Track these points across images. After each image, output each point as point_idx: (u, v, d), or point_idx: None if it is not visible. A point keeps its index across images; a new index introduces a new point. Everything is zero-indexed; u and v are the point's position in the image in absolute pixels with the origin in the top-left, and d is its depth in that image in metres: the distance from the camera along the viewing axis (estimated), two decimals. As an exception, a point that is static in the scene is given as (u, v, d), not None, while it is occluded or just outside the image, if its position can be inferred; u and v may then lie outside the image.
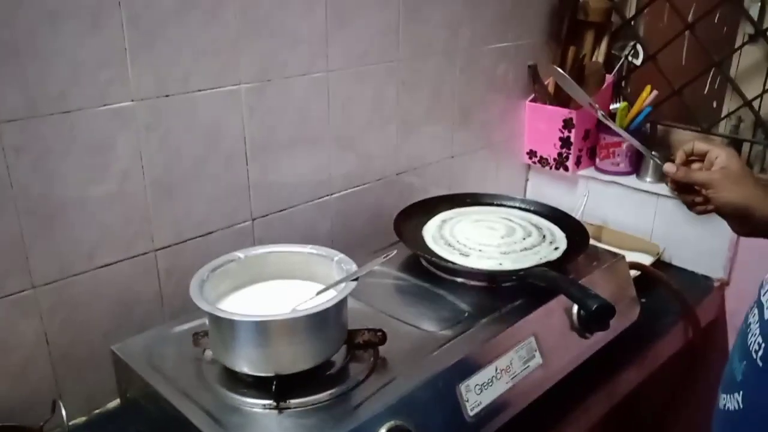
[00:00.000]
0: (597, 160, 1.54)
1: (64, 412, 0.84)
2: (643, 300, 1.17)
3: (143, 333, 0.92)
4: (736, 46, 1.41)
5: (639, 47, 1.50)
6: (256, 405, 0.78)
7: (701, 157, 0.89)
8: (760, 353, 0.66)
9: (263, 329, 0.76)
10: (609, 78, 1.52)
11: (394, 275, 1.09)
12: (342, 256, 0.88)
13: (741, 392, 0.71)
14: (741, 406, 0.70)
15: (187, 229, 1.02)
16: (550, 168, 1.56)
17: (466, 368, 0.86)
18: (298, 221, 1.17)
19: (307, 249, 0.90)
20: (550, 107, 1.51)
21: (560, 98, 1.52)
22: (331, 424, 0.75)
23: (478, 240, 1.10)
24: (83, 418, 0.97)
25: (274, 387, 0.77)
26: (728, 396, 0.73)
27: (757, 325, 0.69)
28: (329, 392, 0.79)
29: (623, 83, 1.59)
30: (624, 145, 1.49)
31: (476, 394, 0.86)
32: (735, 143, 1.46)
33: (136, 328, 0.96)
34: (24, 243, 0.86)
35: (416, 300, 1.02)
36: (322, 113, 1.15)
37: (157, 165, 0.96)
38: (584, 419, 1.04)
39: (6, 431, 0.87)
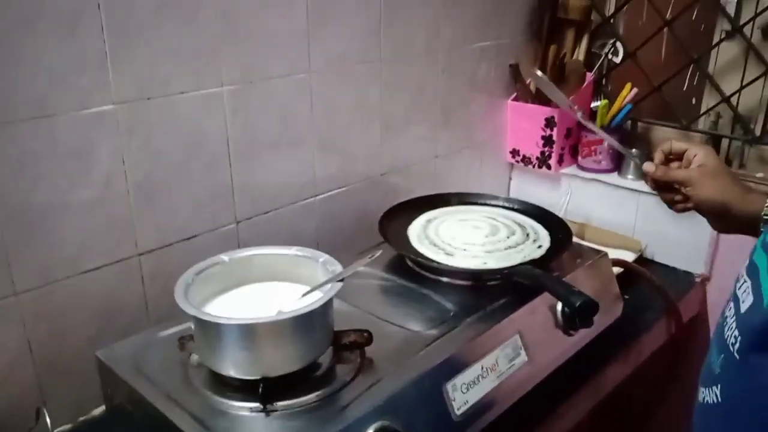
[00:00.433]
0: (579, 158, 1.56)
1: (48, 420, 0.84)
2: (626, 296, 1.18)
3: (128, 338, 0.92)
4: (713, 43, 1.42)
5: (618, 45, 1.52)
6: (243, 408, 0.78)
7: (679, 155, 0.90)
8: (737, 346, 0.67)
9: (249, 332, 0.76)
10: (589, 76, 1.54)
11: (380, 276, 1.09)
12: (327, 257, 0.88)
13: (719, 385, 0.71)
14: (719, 399, 0.71)
15: (170, 233, 1.02)
16: (533, 167, 1.57)
17: (453, 367, 0.87)
18: (283, 223, 1.17)
19: (292, 251, 0.90)
20: (532, 106, 1.53)
21: (542, 97, 1.53)
22: (318, 426, 0.75)
23: (463, 239, 1.10)
24: (68, 426, 0.96)
25: (260, 390, 0.76)
26: (707, 389, 0.74)
27: (734, 318, 0.70)
28: (316, 394, 0.79)
29: (603, 81, 1.60)
30: (606, 143, 1.50)
31: (463, 393, 0.86)
32: (714, 139, 1.48)
33: (121, 333, 0.96)
34: (5, 250, 0.85)
35: (402, 300, 1.02)
36: (305, 115, 1.15)
37: (139, 169, 0.95)
38: (570, 415, 1.05)
39: (-11, 440, 0.86)
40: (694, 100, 1.51)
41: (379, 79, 1.25)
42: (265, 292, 0.89)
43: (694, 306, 1.40)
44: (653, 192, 1.42)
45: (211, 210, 1.06)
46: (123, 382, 0.84)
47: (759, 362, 0.64)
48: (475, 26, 1.41)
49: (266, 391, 0.77)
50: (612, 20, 1.53)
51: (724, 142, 1.47)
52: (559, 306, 1.01)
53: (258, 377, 0.77)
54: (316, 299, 0.79)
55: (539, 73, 1.06)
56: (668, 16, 1.43)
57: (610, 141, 1.06)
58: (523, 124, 1.55)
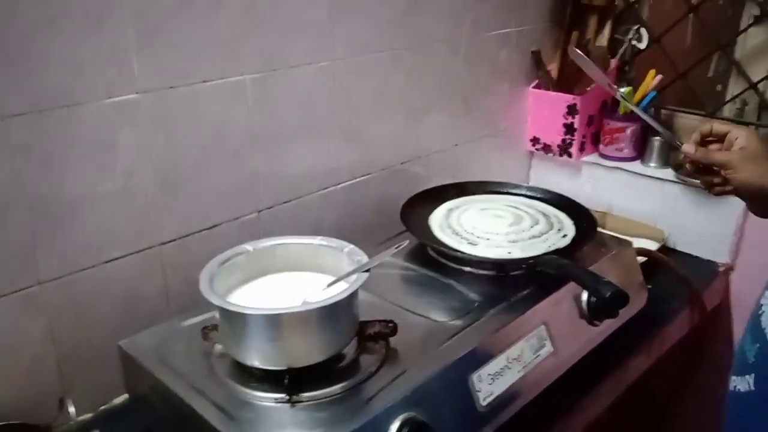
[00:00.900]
0: (600, 145, 1.53)
1: (72, 409, 0.84)
2: (649, 286, 1.17)
3: (150, 328, 0.91)
4: (741, 28, 1.39)
5: (643, 30, 1.49)
6: (268, 399, 0.77)
7: (720, 137, 0.88)
8: None
9: (275, 322, 0.76)
10: (613, 62, 1.51)
11: (401, 265, 1.08)
12: (352, 247, 0.87)
13: (753, 374, 0.71)
14: (753, 388, 0.70)
15: (192, 223, 1.01)
16: (554, 155, 1.55)
17: (478, 358, 0.86)
18: (305, 212, 1.16)
19: (317, 240, 0.89)
20: (553, 93, 1.50)
21: (564, 84, 1.51)
22: (345, 417, 0.74)
23: (486, 228, 1.09)
24: (90, 415, 0.97)
25: (286, 380, 0.76)
26: (739, 378, 0.73)
27: None
28: (341, 385, 0.79)
29: (627, 67, 1.57)
30: (628, 131, 1.48)
31: (488, 384, 0.85)
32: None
33: (143, 323, 0.95)
34: (32, 240, 0.85)
35: (425, 290, 1.01)
36: (327, 103, 1.13)
37: (162, 158, 0.95)
38: (594, 406, 1.04)
39: (13, 429, 0.87)
40: (719, 87, 1.48)
41: (401, 66, 1.23)
42: (289, 282, 0.88)
43: (716, 296, 1.38)
44: (677, 180, 1.41)
45: (232, 200, 1.06)
46: (146, 372, 0.84)
47: None
48: (497, 13, 1.39)
49: (292, 381, 0.76)
50: (636, 5, 1.50)
51: (750, 130, 1.44)
52: (584, 296, 1.00)
53: (284, 368, 0.77)
54: (342, 290, 0.78)
55: (579, 51, 1.04)
56: (694, 0, 1.40)
57: (648, 120, 1.04)
58: (545, 111, 1.53)
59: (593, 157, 1.54)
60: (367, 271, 0.80)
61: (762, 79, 1.36)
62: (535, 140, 1.58)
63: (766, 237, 1.32)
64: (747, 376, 0.72)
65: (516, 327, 0.91)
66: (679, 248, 1.43)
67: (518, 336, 0.91)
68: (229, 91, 1.00)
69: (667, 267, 1.27)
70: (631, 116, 1.48)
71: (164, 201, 0.97)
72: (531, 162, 1.65)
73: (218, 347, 0.85)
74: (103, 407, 0.97)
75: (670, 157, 1.46)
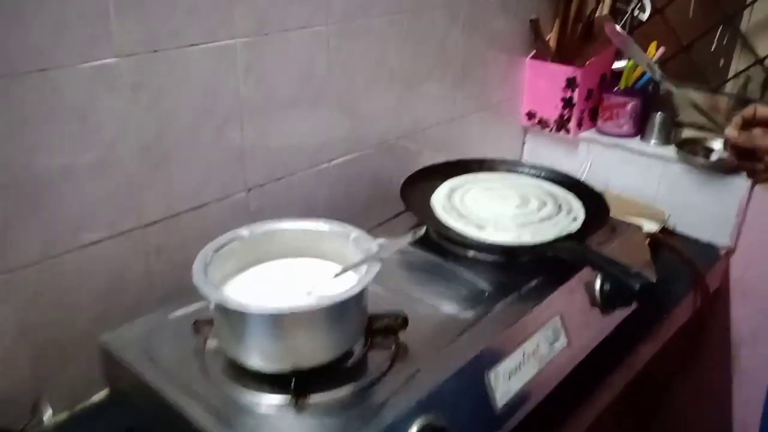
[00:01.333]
0: (599, 121, 1.48)
1: (49, 412, 0.75)
2: (653, 270, 1.12)
3: (134, 321, 0.83)
4: (748, 1, 1.34)
5: (645, 0, 1.42)
6: (270, 402, 0.70)
7: (763, 122, 0.82)
8: None
9: (281, 321, 0.68)
10: (614, 34, 1.44)
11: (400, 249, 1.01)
12: (359, 232, 0.79)
13: None
14: None
15: (178, 202, 0.92)
16: (551, 130, 1.49)
17: (494, 354, 0.80)
18: (296, 190, 1.08)
19: (319, 225, 0.82)
20: (552, 65, 1.43)
21: (562, 55, 1.44)
22: (357, 425, 0.67)
23: (492, 210, 1.02)
24: (66, 413, 0.88)
25: (292, 383, 0.69)
26: None
27: None
28: (350, 386, 0.72)
29: (626, 40, 1.51)
30: (629, 106, 1.42)
31: (505, 382, 0.79)
32: (742, 103, 1.40)
33: (125, 313, 0.87)
34: (1, 222, 0.75)
35: (430, 278, 0.94)
36: (322, 71, 1.04)
37: (145, 130, 0.85)
38: (605, 395, 1.00)
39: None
40: (722, 62, 1.43)
41: (399, 33, 1.14)
42: (290, 270, 0.81)
43: (716, 279, 1.35)
44: (679, 158, 1.36)
45: (221, 176, 0.97)
46: (130, 372, 0.76)
47: None
48: (498, -23, 1.31)
49: (298, 383, 0.69)
50: (639, -26, 1.43)
51: (752, 108, 1.39)
52: (598, 283, 0.95)
53: (288, 369, 0.69)
54: (353, 283, 0.70)
55: (618, 28, 0.96)
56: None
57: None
58: (542, 84, 1.46)
59: (591, 134, 1.48)
60: (379, 260, 0.73)
61: (769, 55, 1.31)
62: (530, 114, 1.51)
63: (767, 218, 1.29)
64: None
65: (532, 319, 0.85)
66: (678, 230, 1.39)
67: (534, 328, 0.85)
68: (218, 57, 0.90)
69: (673, 250, 1.22)
70: (631, 91, 1.42)
71: (148, 178, 0.88)
72: (525, 137, 1.58)
73: (211, 343, 0.77)
74: (80, 405, 0.88)
75: (672, 134, 1.41)
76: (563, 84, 1.42)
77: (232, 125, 0.95)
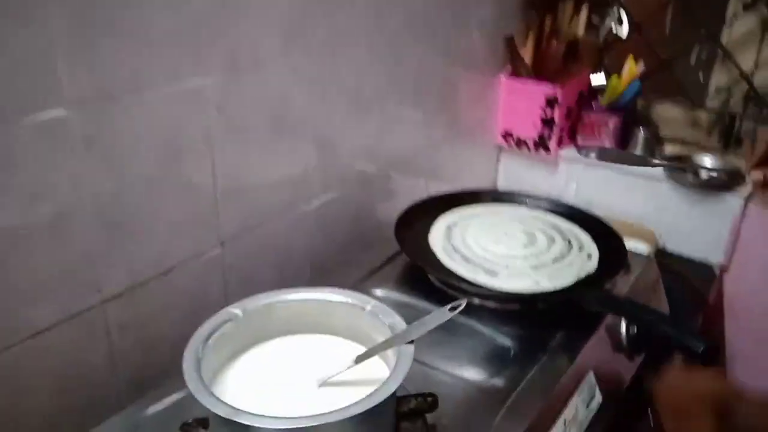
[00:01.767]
0: (579, 139, 1.41)
1: None
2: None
3: (104, 423, 0.68)
4: (727, 12, 1.30)
5: (623, 13, 1.36)
6: None
7: None
8: None
9: None
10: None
11: (399, 300, 0.89)
12: (375, 303, 0.67)
13: None
14: None
15: (142, 269, 0.78)
16: (529, 150, 1.41)
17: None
18: (273, 239, 0.95)
19: (327, 295, 0.69)
20: (531, 83, 1.35)
21: (539, 72, 1.36)
22: None
23: (499, 251, 0.92)
24: None
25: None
26: None
27: None
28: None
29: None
30: (610, 123, 1.36)
31: (550, 461, 0.69)
32: (721, 119, 1.37)
33: (87, 408, 0.72)
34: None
35: (443, 336, 0.82)
36: (299, 105, 0.92)
37: (100, 189, 0.70)
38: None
39: None
40: (701, 76, 1.39)
41: (378, 60, 1.03)
42: (295, 351, 0.68)
43: (712, 298, 1.30)
44: (665, 176, 1.31)
45: (191, 232, 0.83)
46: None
47: None
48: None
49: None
50: (612, -15, 1.37)
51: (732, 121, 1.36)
52: (623, 328, 0.86)
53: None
54: (379, 372, 0.58)
55: None
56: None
57: None
58: (519, 103, 1.38)
59: (571, 152, 1.41)
60: (410, 342, 0.61)
61: (753, 69, 1.27)
62: (507, 134, 1.43)
63: (762, 236, 1.24)
64: None
65: (567, 381, 0.76)
66: (669, 248, 1.33)
67: (571, 392, 0.76)
68: (184, 100, 0.76)
69: (675, 275, 1.16)
70: (613, 107, 1.35)
71: (105, 244, 0.73)
72: (499, 156, 1.50)
73: (205, 448, 0.63)
74: None
75: (655, 151, 1.36)
76: (542, 103, 1.35)
77: (201, 173, 0.81)
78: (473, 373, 0.75)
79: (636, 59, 1.34)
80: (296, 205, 0.97)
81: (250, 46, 0.81)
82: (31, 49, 0.60)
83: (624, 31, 1.35)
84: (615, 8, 1.36)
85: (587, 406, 0.78)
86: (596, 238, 0.98)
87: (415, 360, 0.74)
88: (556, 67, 1.32)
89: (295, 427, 0.53)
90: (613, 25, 1.35)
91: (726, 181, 1.24)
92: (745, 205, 1.24)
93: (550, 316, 0.85)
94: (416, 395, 0.66)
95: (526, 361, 0.77)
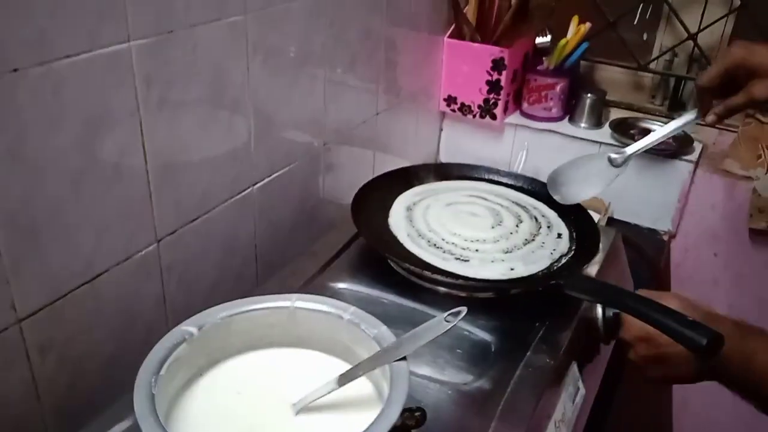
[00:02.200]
0: (524, 104, 1.35)
1: None
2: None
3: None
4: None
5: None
6: None
7: None
8: None
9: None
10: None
11: (359, 293, 0.81)
12: (355, 310, 0.58)
13: None
14: None
15: (64, 280, 0.65)
16: (474, 116, 1.34)
17: (530, 439, 0.64)
18: (216, 229, 0.83)
19: (295, 302, 0.59)
20: (476, 45, 1.27)
21: (485, 32, 1.28)
22: None
23: (466, 234, 0.85)
24: None
25: None
26: None
27: None
28: None
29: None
30: (558, 87, 1.30)
31: (545, 469, 0.64)
32: (665, 81, 1.34)
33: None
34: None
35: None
36: (240, 73, 0.80)
37: (6, 192, 0.57)
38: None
39: None
40: (645, 36, 1.35)
41: (322, 19, 0.92)
42: (262, 371, 0.58)
43: (658, 265, 1.29)
44: (614, 142, 1.28)
45: (121, 231, 0.70)
46: None
47: None
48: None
49: None
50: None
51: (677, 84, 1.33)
52: (599, 312, 0.82)
53: None
54: (368, 399, 0.50)
55: None
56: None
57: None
58: (464, 66, 1.30)
59: (517, 118, 1.35)
60: (402, 359, 0.53)
61: (700, 30, 1.24)
62: (450, 100, 1.35)
63: (710, 205, 1.24)
64: None
65: (555, 380, 0.70)
66: (616, 216, 1.30)
67: (558, 389, 0.70)
68: (104, 68, 0.63)
69: (631, 246, 1.13)
70: (560, 70, 1.30)
71: (17, 255, 0.59)
72: (442, 124, 1.42)
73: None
74: None
75: (602, 116, 1.32)
76: (488, 66, 1.27)
77: (130, 157, 0.68)
78: (457, 377, 0.68)
79: (580, 20, 1.28)
80: (239, 188, 0.86)
81: (179, 5, 0.68)
82: None
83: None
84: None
85: (573, 401, 0.73)
86: (562, 215, 0.92)
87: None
88: (503, 28, 1.24)
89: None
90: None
91: (674, 147, 1.22)
92: (694, 171, 1.22)
93: (526, 303, 0.79)
94: (402, 410, 0.58)
95: (509, 359, 0.71)
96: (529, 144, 1.33)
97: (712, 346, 0.60)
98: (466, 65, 1.29)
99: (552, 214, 0.92)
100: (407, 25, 1.16)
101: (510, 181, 1.01)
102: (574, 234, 0.88)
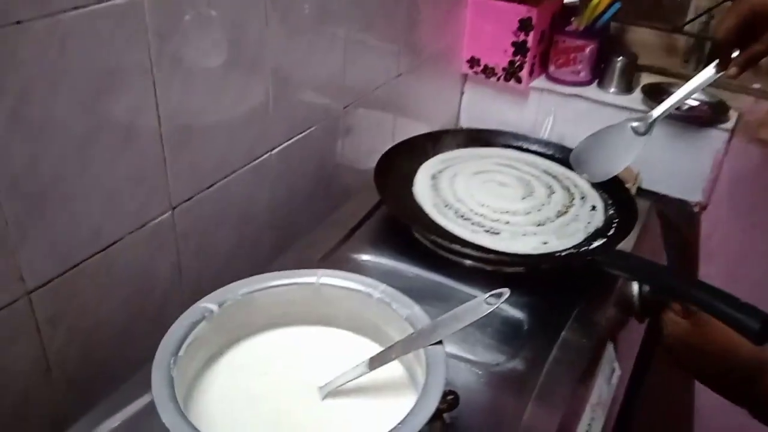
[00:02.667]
0: (551, 67, 1.29)
1: None
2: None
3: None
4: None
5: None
6: None
7: None
8: None
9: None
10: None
11: (383, 265, 0.77)
12: (385, 288, 0.54)
13: None
14: None
15: (73, 249, 0.61)
16: (497, 79, 1.28)
17: (565, 425, 0.60)
18: (233, 196, 0.79)
19: (320, 278, 0.55)
20: (502, 3, 1.21)
21: (511, -10, 1.21)
22: None
23: (495, 205, 0.81)
24: None
25: None
26: None
27: None
28: None
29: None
30: (587, 50, 1.24)
31: (581, 456, 0.61)
32: (700, 44, 1.28)
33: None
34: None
35: (441, 307, 0.71)
36: (256, 31, 0.74)
37: (11, 156, 0.53)
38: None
39: None
40: (680, -3, 1.28)
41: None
42: (285, 350, 0.55)
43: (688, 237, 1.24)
44: (647, 109, 1.22)
45: (134, 199, 0.66)
46: None
47: None
48: None
49: None
50: None
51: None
52: (635, 289, 0.78)
53: None
54: (398, 381, 0.47)
55: None
56: None
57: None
58: (488, 26, 1.23)
59: (543, 82, 1.29)
60: (438, 343, 0.49)
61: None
62: (473, 61, 1.29)
63: (744, 176, 1.19)
64: None
65: (592, 360, 0.66)
66: (645, 186, 1.25)
67: (594, 371, 0.67)
68: (116, 22, 0.58)
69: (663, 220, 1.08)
70: (590, 32, 1.23)
71: (23, 224, 0.56)
72: (464, 87, 1.36)
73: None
74: None
75: (633, 80, 1.26)
76: (515, 26, 1.21)
77: (143, 122, 0.64)
78: (488, 357, 0.65)
79: (615, -21, 1.22)
80: (256, 152, 0.81)
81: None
82: None
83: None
84: None
85: (608, 383, 0.69)
86: (595, 186, 0.88)
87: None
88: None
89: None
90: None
91: (708, 114, 1.17)
92: (729, 140, 1.17)
93: (559, 279, 0.75)
94: (436, 395, 0.55)
95: (542, 338, 0.67)
96: (555, 110, 1.28)
97: (765, 332, 0.56)
98: (491, 25, 1.23)
99: (585, 185, 0.88)
100: (431, -19, 1.09)
101: (540, 149, 0.96)
102: (610, 206, 0.84)
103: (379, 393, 0.51)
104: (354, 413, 0.50)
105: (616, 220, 0.80)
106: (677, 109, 1.13)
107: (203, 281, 0.78)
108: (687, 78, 1.26)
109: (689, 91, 0.84)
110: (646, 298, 0.77)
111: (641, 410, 0.77)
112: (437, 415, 0.55)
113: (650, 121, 0.86)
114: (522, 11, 1.19)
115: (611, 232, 0.77)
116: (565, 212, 0.81)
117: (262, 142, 0.82)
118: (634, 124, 0.87)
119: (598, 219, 0.81)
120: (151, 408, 0.44)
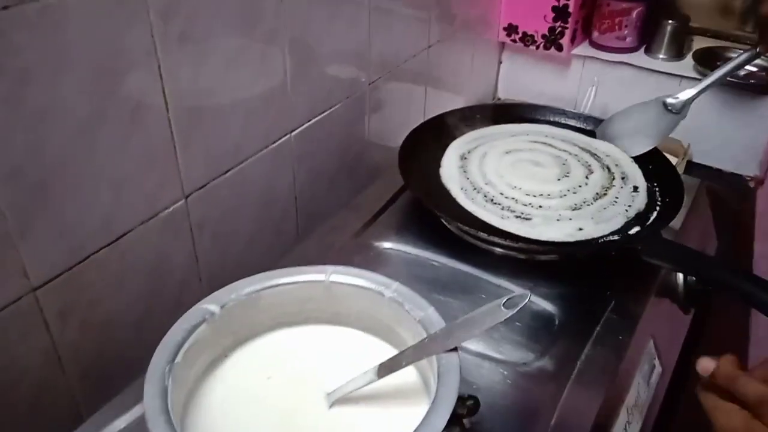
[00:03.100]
0: (594, 33, 1.21)
1: None
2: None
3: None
4: None
5: None
6: None
7: None
8: None
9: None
10: None
11: (407, 254, 0.73)
12: (398, 286, 0.50)
13: None
14: None
15: (82, 242, 0.59)
16: (537, 47, 1.21)
17: (598, 431, 0.56)
18: (251, 181, 0.76)
19: (329, 275, 0.52)
20: (541, -35, 1.13)
21: (552, -48, 1.13)
22: None
23: (528, 187, 0.76)
24: None
25: None
26: None
27: None
28: None
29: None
30: (634, 13, 1.16)
31: (616, 464, 0.56)
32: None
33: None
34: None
35: (465, 299, 0.67)
36: (274, 3, 0.70)
37: (10, 144, 0.50)
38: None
39: None
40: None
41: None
42: (289, 352, 0.52)
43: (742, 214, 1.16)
44: (697, 75, 1.13)
45: (143, 188, 0.63)
46: None
47: None
48: None
49: None
50: None
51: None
52: (680, 278, 0.72)
53: None
54: (410, 386, 0.43)
55: None
56: None
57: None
58: (527, -10, 1.16)
59: (585, 49, 1.21)
60: (453, 350, 0.45)
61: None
62: (510, 28, 1.22)
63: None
64: None
65: (628, 360, 0.61)
66: (695, 159, 1.17)
67: (632, 371, 0.62)
68: (114, 1, 0.54)
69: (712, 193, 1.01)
70: (636, -8, 1.15)
71: (24, 216, 0.53)
72: (501, 56, 1.29)
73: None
74: None
75: (684, 46, 1.17)
76: (555, -10, 1.13)
77: (148, 105, 0.61)
78: (515, 355, 0.60)
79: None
80: (275, 133, 0.78)
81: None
82: None
83: None
84: None
85: (647, 382, 0.64)
86: (638, 163, 0.81)
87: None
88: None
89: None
90: None
91: (766, 81, 1.07)
92: (790, 109, 1.08)
93: (595, 268, 0.70)
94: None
95: (575, 334, 0.62)
96: (599, 79, 1.20)
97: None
98: (530, -11, 1.16)
99: (627, 162, 0.81)
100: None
101: (578, 124, 0.90)
102: (654, 187, 0.77)
103: (392, 400, 0.48)
104: (364, 422, 0.47)
105: (660, 203, 0.74)
106: (732, 75, 1.05)
107: (222, 270, 0.75)
108: (744, 42, 1.18)
109: (726, 71, 0.77)
110: (692, 287, 0.71)
111: (683, 414, 0.71)
112: (456, 421, 0.52)
113: (685, 99, 0.79)
114: (563, -27, 1.11)
115: (654, 217, 0.71)
116: (604, 194, 0.75)
117: (280, 122, 0.78)
118: (669, 100, 0.80)
119: (640, 201, 0.74)
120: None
